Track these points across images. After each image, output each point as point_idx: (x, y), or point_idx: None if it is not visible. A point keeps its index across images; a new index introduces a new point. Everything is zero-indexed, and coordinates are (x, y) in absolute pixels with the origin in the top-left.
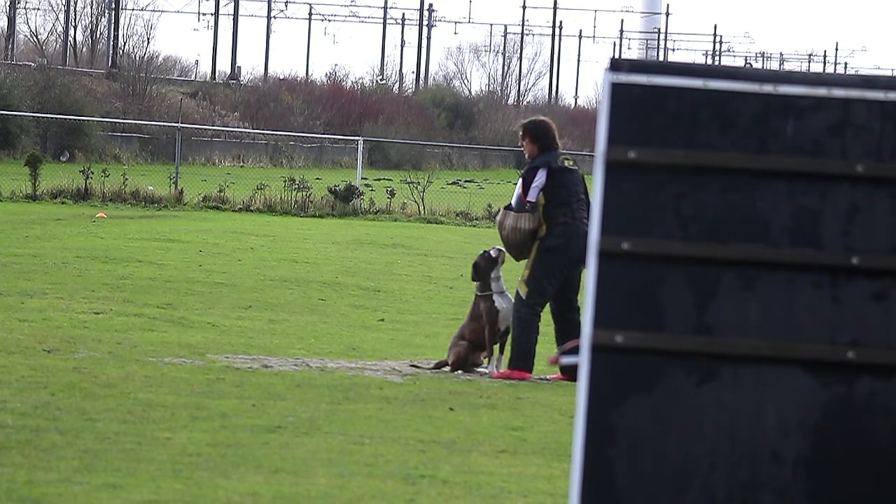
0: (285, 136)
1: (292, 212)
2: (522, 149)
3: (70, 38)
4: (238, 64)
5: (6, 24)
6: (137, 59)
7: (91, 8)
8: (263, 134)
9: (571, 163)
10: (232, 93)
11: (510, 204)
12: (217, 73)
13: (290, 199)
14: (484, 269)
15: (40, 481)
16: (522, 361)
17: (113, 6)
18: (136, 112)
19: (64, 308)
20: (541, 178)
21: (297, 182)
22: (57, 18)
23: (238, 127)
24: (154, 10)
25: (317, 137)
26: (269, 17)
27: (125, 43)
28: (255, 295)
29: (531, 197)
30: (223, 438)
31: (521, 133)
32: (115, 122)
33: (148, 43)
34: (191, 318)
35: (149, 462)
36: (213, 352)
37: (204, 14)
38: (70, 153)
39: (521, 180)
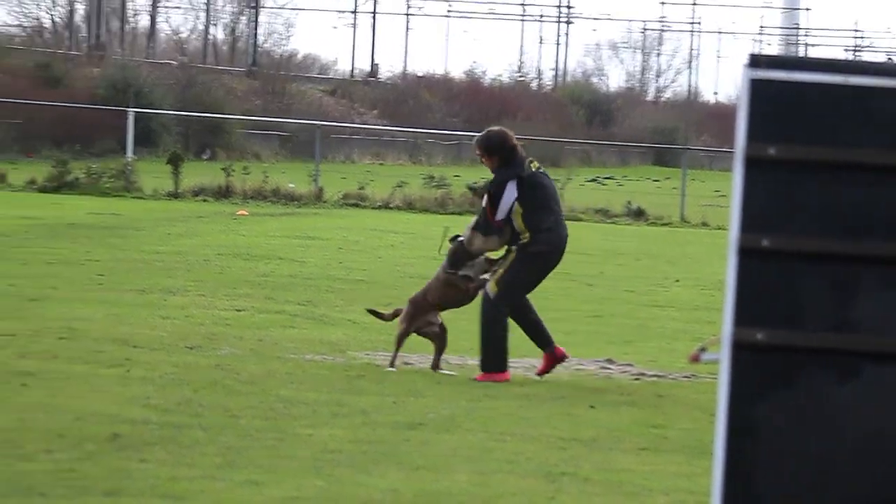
0: (424, 133)
1: (431, 209)
2: (485, 164)
3: (210, 36)
4: (376, 61)
5: (148, 22)
6: (277, 57)
7: (231, 6)
8: (402, 131)
9: (537, 165)
10: (370, 90)
11: (477, 222)
12: (356, 71)
13: (429, 197)
14: (462, 259)
15: (183, 477)
16: (496, 362)
17: (253, 4)
18: (276, 110)
19: (206, 305)
20: (511, 192)
21: (435, 179)
22: (197, 17)
23: (377, 124)
24: (293, 8)
25: (455, 135)
26: (407, 15)
27: (265, 41)
28: (395, 292)
29: (500, 215)
30: (364, 435)
31: (477, 152)
32: (256, 120)
33: (287, 41)
34: (331, 315)
35: (290, 459)
36: (353, 349)
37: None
38: (211, 151)
39: (486, 197)
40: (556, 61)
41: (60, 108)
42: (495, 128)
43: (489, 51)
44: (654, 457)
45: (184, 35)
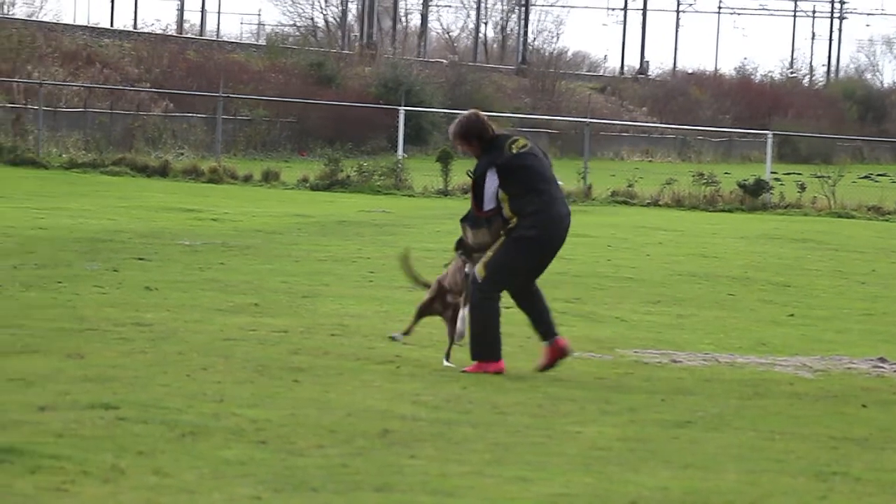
0: (693, 130)
1: (700, 206)
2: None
3: (481, 34)
4: (646, 58)
5: (419, 21)
6: (546, 54)
7: (501, 4)
8: (671, 128)
9: (522, 143)
10: (640, 87)
11: (468, 214)
12: (625, 68)
13: (698, 194)
14: (468, 248)
15: (452, 473)
16: (487, 351)
17: (523, 2)
18: (545, 108)
19: None
20: (492, 181)
21: (705, 176)
22: (468, 15)
23: (646, 122)
24: (563, 6)
25: (725, 132)
26: (677, 12)
27: (535, 38)
28: (663, 290)
29: (487, 205)
30: (632, 433)
31: (455, 143)
32: (525, 118)
33: (557, 39)
34: (599, 312)
35: (558, 456)
36: (621, 346)
37: (612, 9)
38: None
39: (471, 187)
40: (829, 57)
41: (333, 107)
42: (466, 112)
43: (760, 47)
44: None
45: (454, 33)
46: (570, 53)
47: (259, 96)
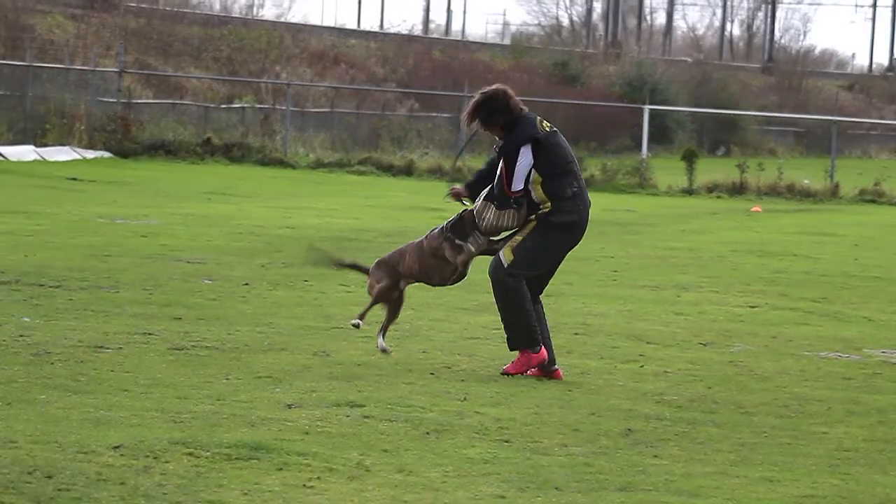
0: None
1: None
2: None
3: (726, 32)
4: (895, 56)
5: (664, 20)
6: (793, 52)
7: (748, 2)
8: None
9: (549, 125)
10: (889, 85)
11: (492, 191)
12: (874, 66)
13: None
14: (467, 229)
15: (697, 473)
16: (526, 338)
17: (770, 0)
18: (792, 106)
19: (718, 301)
20: (526, 158)
21: None
22: (714, 13)
23: (895, 120)
24: (811, 4)
25: None
26: None
27: (781, 36)
28: None
29: (518, 185)
30: (880, 434)
31: (474, 124)
32: (770, 116)
33: (804, 36)
34: (846, 312)
35: (804, 457)
36: (869, 346)
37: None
38: (725, 147)
39: (501, 165)
40: None
41: (576, 106)
42: (488, 88)
43: None
44: None
45: (700, 32)
46: (817, 51)
47: None
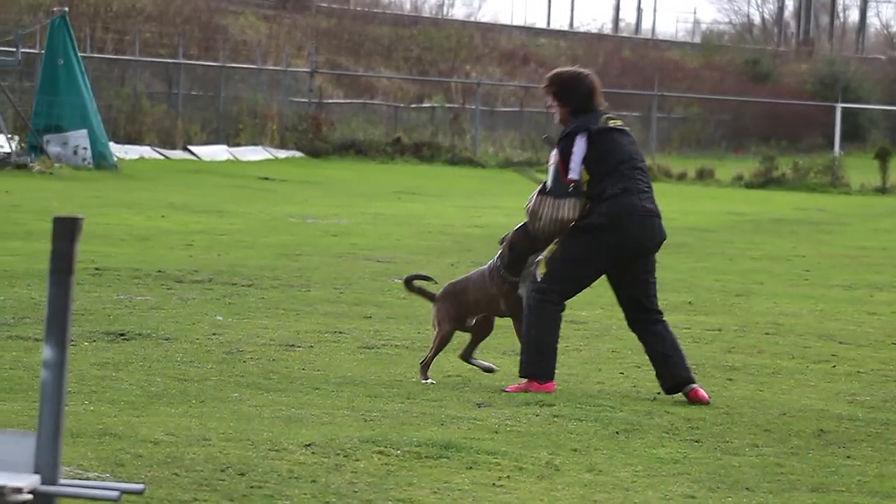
0: None
1: None
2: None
3: None
4: None
5: (857, 17)
6: None
7: None
8: None
9: (619, 122)
10: None
11: (545, 185)
12: None
13: None
14: (523, 255)
15: (891, 475)
16: (536, 366)
17: None
18: None
19: None
20: (580, 147)
21: None
22: None
23: None
24: None
25: None
26: None
27: None
28: None
29: (573, 174)
30: None
31: (545, 90)
32: None
33: None
34: None
35: None
36: None
37: None
38: None
39: (556, 153)
40: None
41: (767, 104)
42: (577, 68)
43: None
44: None
45: (894, 29)
46: None
47: (693, 94)
